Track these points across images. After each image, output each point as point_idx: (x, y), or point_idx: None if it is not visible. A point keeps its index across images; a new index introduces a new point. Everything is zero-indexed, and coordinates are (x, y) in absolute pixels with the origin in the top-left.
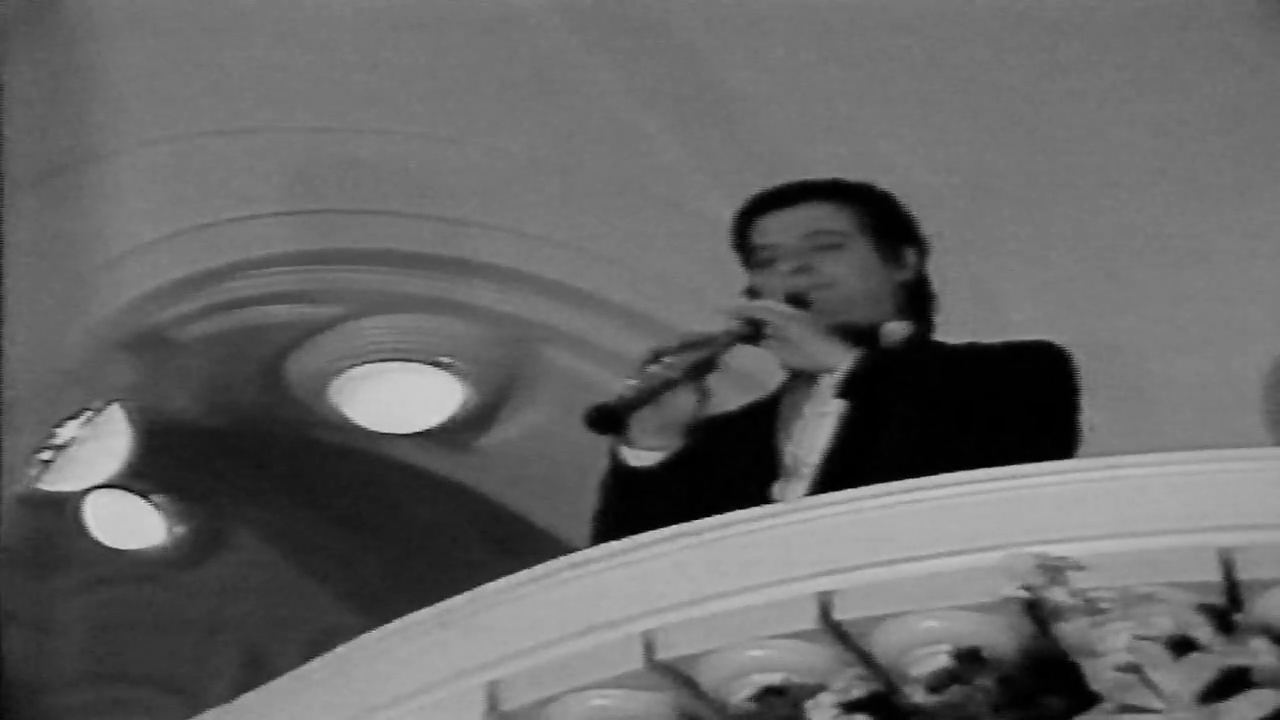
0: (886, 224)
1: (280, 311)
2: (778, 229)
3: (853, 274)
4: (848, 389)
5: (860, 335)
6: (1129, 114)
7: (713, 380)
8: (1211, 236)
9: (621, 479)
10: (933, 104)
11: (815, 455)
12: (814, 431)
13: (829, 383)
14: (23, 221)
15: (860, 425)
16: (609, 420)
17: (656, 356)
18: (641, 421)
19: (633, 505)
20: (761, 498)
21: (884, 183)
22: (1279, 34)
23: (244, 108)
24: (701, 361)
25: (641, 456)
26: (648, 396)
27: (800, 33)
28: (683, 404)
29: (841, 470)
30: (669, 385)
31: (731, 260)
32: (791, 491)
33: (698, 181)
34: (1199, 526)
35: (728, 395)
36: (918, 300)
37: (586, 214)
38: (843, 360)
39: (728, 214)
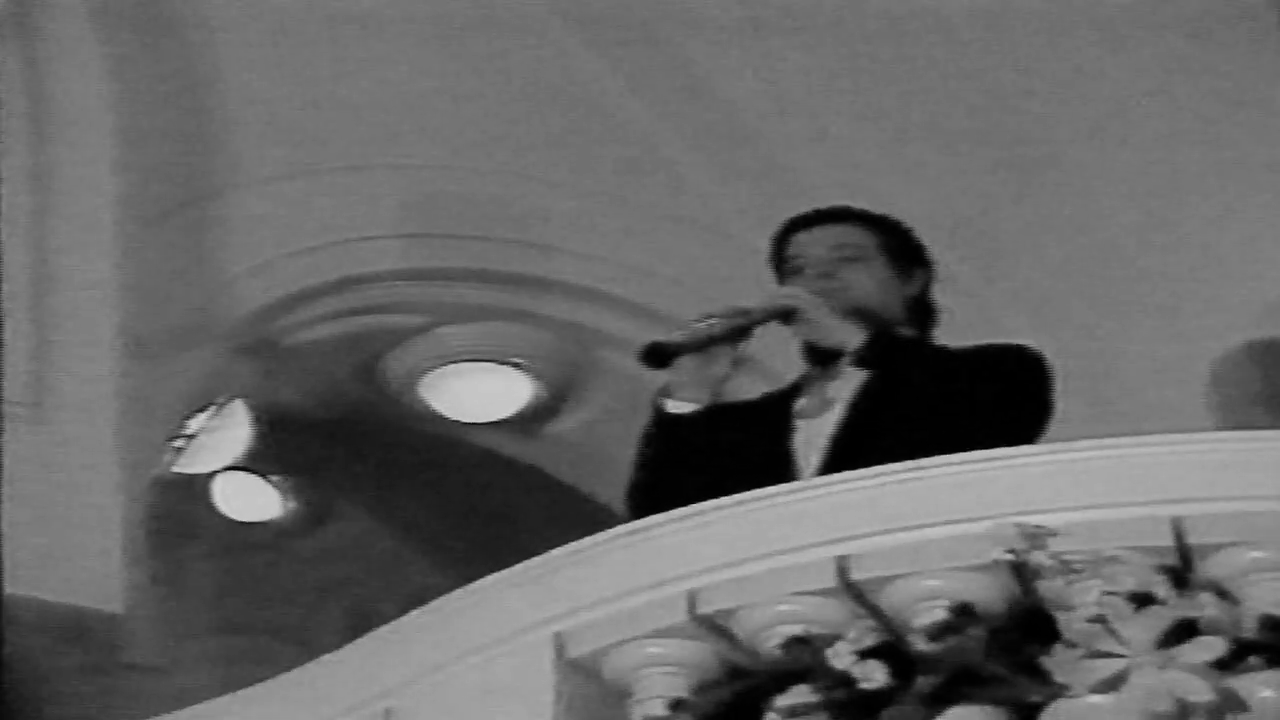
0: (901, 246)
1: (378, 320)
2: (809, 242)
3: (870, 282)
4: (863, 360)
5: (871, 319)
6: (1106, 139)
7: (743, 369)
8: (1170, 254)
9: (661, 424)
10: (933, 139)
11: (835, 418)
12: (834, 396)
13: (846, 357)
14: (159, 247)
15: (873, 392)
16: (660, 355)
17: (704, 317)
18: (684, 370)
19: (669, 445)
20: (781, 446)
21: (894, 209)
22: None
23: (346, 148)
24: (741, 326)
25: (680, 405)
26: (694, 345)
27: (818, 81)
28: (720, 362)
29: (857, 431)
30: (712, 340)
31: (759, 278)
32: (811, 445)
33: (732, 211)
34: (1156, 499)
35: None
36: (922, 313)
37: (639, 238)
38: (857, 337)
39: (757, 238)
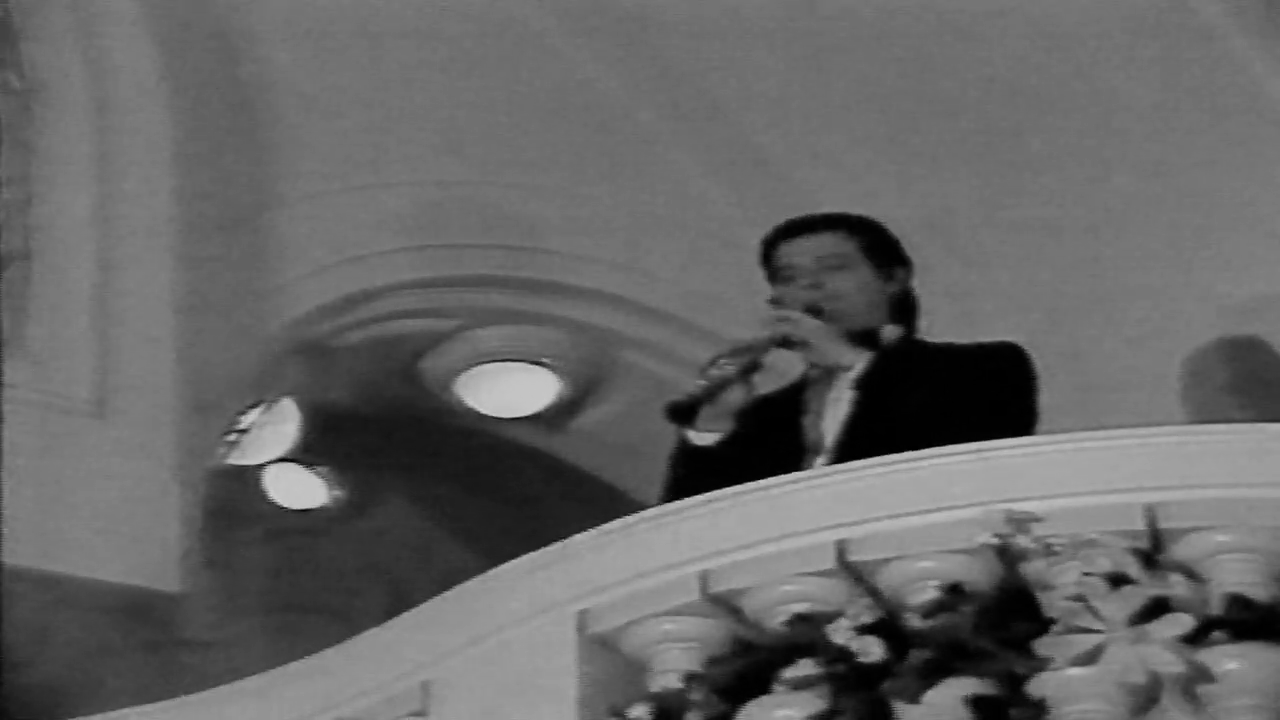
0: (881, 248)
1: (416, 324)
2: (796, 252)
3: (855, 288)
4: (861, 383)
5: (865, 338)
6: (1086, 140)
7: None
8: (1147, 253)
9: (686, 455)
10: (917, 139)
11: (834, 434)
12: (834, 415)
13: (846, 378)
14: (215, 258)
15: (870, 410)
16: (683, 413)
17: (715, 360)
18: (704, 411)
19: (695, 475)
20: (794, 470)
21: (882, 210)
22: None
23: (383, 166)
24: (750, 364)
25: (702, 437)
26: (712, 393)
27: (814, 86)
28: (735, 396)
29: (855, 444)
30: (727, 383)
31: (760, 280)
32: (817, 464)
33: (737, 220)
34: (1130, 487)
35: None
36: (906, 308)
37: (653, 246)
38: (856, 360)
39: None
